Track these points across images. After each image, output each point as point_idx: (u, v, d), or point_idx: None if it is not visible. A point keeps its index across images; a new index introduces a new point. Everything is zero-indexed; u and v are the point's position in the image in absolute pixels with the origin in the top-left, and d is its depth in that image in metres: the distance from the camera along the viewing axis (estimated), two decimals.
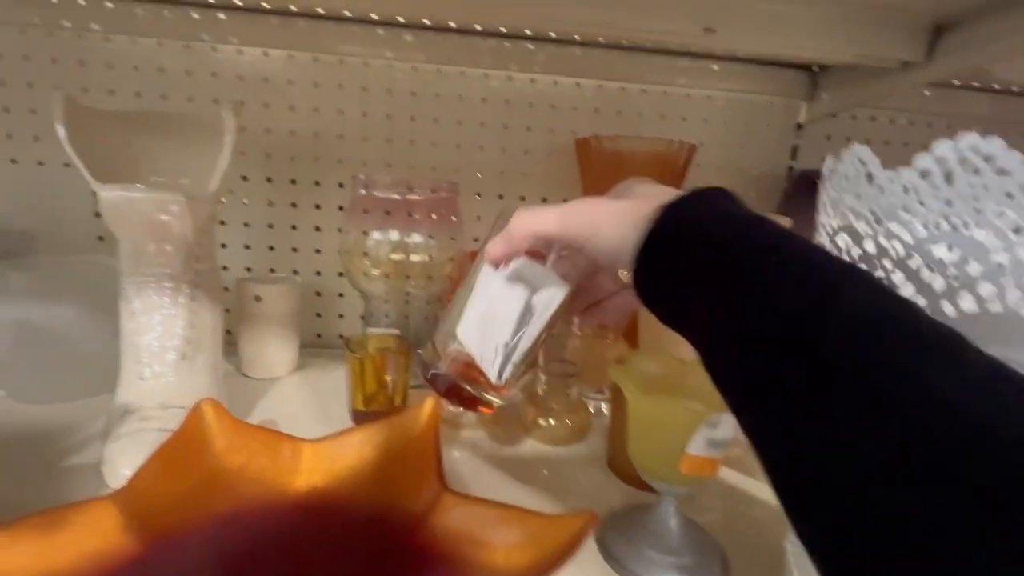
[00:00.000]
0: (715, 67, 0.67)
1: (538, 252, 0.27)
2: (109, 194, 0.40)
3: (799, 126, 0.71)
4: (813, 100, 0.69)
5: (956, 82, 0.67)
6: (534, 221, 0.25)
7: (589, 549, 0.35)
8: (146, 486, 0.33)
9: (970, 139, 0.21)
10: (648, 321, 0.53)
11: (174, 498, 0.34)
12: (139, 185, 0.42)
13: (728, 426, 0.30)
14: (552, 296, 0.26)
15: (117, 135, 0.48)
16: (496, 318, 0.26)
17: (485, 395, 0.29)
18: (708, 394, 0.32)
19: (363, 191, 0.58)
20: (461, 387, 0.30)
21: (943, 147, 0.22)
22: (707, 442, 0.30)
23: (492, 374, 0.27)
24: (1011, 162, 0.21)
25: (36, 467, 0.40)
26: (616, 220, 0.24)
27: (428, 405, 0.41)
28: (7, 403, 0.48)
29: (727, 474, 0.46)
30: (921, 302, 0.21)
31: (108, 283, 0.47)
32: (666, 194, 0.24)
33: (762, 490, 0.44)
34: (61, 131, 0.41)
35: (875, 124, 0.72)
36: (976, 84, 0.66)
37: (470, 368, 0.29)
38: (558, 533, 0.30)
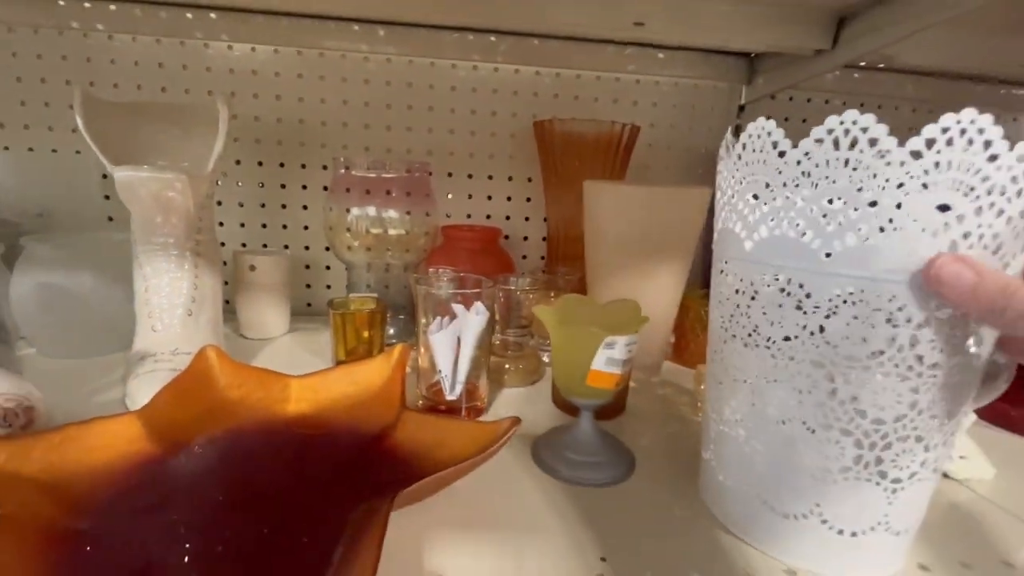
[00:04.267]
0: (660, 55, 0.74)
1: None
2: (123, 174, 0.47)
3: (741, 107, 0.78)
4: (751, 84, 0.76)
5: (881, 65, 0.74)
6: None
7: (525, 459, 0.43)
8: (162, 409, 0.41)
9: (851, 114, 0.27)
10: (594, 279, 0.60)
11: (185, 421, 0.42)
12: (147, 166, 0.49)
13: (623, 347, 0.38)
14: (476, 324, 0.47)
15: (125, 124, 0.55)
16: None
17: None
18: (609, 324, 0.40)
19: (344, 171, 0.65)
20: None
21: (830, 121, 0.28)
22: (606, 360, 0.37)
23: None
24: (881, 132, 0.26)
25: (70, 404, 0.47)
26: None
27: (397, 350, 0.49)
28: (39, 359, 0.56)
29: (668, 418, 0.54)
30: (818, 241, 0.27)
31: (119, 256, 0.55)
32: None
33: (681, 412, 0.52)
34: (80, 120, 0.48)
35: (809, 104, 0.79)
36: (883, 66, 0.73)
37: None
38: (492, 432, 0.38)
